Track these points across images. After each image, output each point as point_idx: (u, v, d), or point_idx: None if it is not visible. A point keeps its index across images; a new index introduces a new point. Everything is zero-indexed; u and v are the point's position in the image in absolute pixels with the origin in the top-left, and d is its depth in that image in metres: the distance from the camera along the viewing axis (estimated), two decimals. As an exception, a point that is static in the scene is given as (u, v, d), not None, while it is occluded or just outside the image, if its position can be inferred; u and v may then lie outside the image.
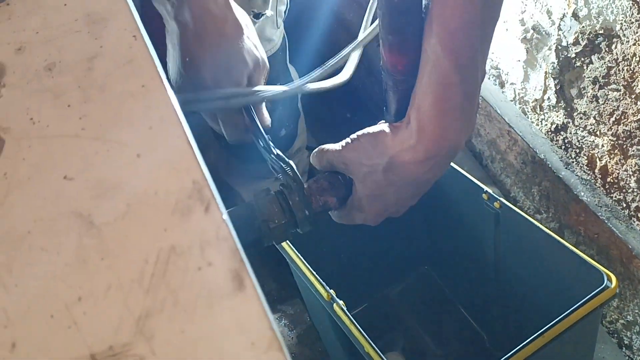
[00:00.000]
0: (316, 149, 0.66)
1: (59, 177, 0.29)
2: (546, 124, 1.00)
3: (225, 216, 0.26)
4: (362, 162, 0.59)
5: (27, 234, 0.26)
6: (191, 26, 0.63)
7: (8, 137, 0.31)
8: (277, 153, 0.68)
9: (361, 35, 0.76)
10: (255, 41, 0.70)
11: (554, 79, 0.93)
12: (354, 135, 0.61)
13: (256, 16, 0.97)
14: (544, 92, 0.97)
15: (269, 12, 0.99)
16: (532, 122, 1.04)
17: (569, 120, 0.94)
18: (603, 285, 0.64)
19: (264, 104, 0.75)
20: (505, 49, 1.04)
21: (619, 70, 0.79)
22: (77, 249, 0.26)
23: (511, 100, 1.07)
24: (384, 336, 1.03)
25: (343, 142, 0.62)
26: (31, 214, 0.27)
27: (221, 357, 0.22)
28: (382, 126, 0.59)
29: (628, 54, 0.76)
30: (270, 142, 0.70)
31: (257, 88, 0.71)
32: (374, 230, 0.72)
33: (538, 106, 1.01)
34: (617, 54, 0.78)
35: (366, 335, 0.65)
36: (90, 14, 0.36)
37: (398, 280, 1.08)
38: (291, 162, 0.64)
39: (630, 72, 0.77)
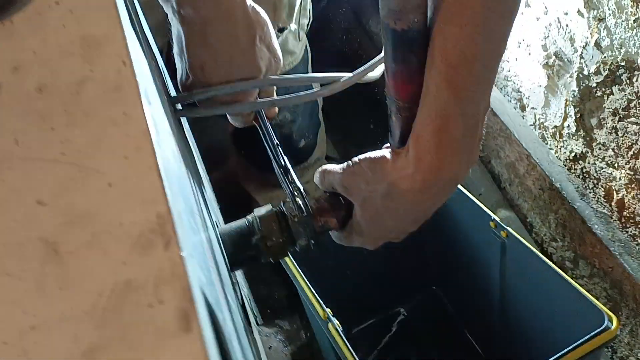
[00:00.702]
0: (319, 169, 0.66)
1: (32, 201, 0.29)
2: (565, 152, 0.98)
3: (185, 252, 0.27)
4: (361, 186, 0.59)
5: (-5, 256, 0.27)
6: (199, 28, 0.59)
7: (-8, 157, 0.32)
8: (284, 164, 0.67)
9: None
10: (269, 40, 0.65)
11: (574, 107, 0.91)
12: (355, 159, 0.60)
13: (280, 30, 0.98)
14: (564, 119, 0.96)
15: (292, 26, 1.00)
16: (551, 149, 1.02)
17: (588, 150, 0.92)
18: (604, 326, 0.63)
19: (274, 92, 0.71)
20: (527, 73, 1.02)
21: (639, 104, 0.77)
22: (39, 276, 0.26)
23: (531, 125, 1.05)
24: (388, 355, 1.03)
25: (344, 165, 0.61)
26: (2, 237, 0.28)
27: (157, 399, 0.22)
28: (384, 152, 0.59)
29: (649, 89, 0.75)
30: (280, 154, 0.69)
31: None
32: (384, 248, 0.72)
33: (558, 133, 0.99)
34: (637, 87, 0.77)
35: (356, 358, 0.65)
36: (85, 37, 0.37)
37: (406, 299, 1.08)
38: (296, 180, 0.63)
39: (651, 107, 0.75)
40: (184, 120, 0.76)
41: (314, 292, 0.73)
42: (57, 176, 0.30)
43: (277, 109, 0.74)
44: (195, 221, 0.39)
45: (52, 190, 0.30)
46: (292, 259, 0.79)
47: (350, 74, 0.68)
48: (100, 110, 0.33)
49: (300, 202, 0.62)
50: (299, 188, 0.63)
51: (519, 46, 1.01)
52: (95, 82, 0.35)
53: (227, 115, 0.73)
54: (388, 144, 0.62)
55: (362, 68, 0.68)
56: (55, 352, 0.24)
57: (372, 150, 0.60)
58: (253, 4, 0.63)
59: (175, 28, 0.62)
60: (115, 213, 0.28)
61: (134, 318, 0.25)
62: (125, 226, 0.28)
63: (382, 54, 0.70)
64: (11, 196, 0.30)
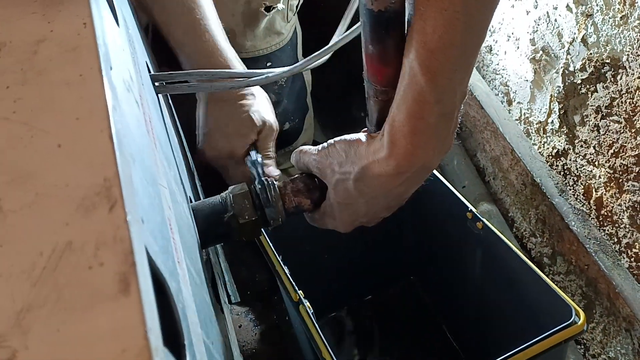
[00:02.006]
0: (296, 150, 0.65)
1: (-21, 159, 0.29)
2: (548, 148, 0.98)
3: (131, 217, 0.26)
4: (334, 168, 0.59)
5: (-64, 212, 0.27)
6: (210, 108, 0.77)
7: (-57, 112, 0.31)
8: (260, 172, 0.72)
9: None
10: (264, 107, 0.84)
11: (559, 103, 0.91)
12: (331, 141, 0.60)
13: (267, 9, 0.97)
14: (549, 115, 0.95)
15: (280, 6, 0.99)
16: (534, 144, 1.02)
17: (570, 146, 0.92)
18: (570, 321, 0.63)
19: (274, 162, 0.83)
20: (514, 67, 1.02)
21: (621, 102, 0.77)
22: (-21, 234, 0.26)
23: (516, 120, 1.05)
24: (360, 341, 1.03)
25: (320, 146, 0.61)
26: (-57, 192, 0.27)
27: (87, 360, 0.22)
28: (360, 135, 0.59)
29: (632, 87, 0.74)
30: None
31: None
32: (362, 234, 0.71)
33: (542, 129, 0.99)
34: (621, 85, 0.76)
35: (326, 343, 0.65)
36: (49, -3, 0.36)
37: (383, 288, 1.08)
38: (259, 157, 0.65)
39: (633, 105, 0.75)
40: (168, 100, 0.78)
41: (287, 273, 0.73)
42: (6, 134, 0.30)
43: (278, 173, 0.84)
44: (156, 191, 0.39)
45: (0, 148, 0.29)
46: (269, 241, 0.78)
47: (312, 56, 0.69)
48: (56, 71, 0.32)
49: (270, 182, 0.62)
50: (262, 170, 0.67)
51: (508, 40, 1.01)
52: (53, 42, 0.34)
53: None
54: (365, 129, 0.61)
55: (328, 46, 0.69)
56: (-12, 309, 0.23)
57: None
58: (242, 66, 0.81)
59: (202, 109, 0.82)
60: (61, 174, 0.28)
61: (72, 279, 0.24)
62: (71, 188, 0.27)
63: (345, 34, 0.71)
64: (-42, 152, 0.29)
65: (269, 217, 0.63)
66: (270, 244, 0.79)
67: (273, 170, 0.86)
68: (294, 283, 0.72)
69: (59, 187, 0.27)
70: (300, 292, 0.72)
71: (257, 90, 0.84)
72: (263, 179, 0.63)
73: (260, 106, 0.83)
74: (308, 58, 0.66)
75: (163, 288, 0.29)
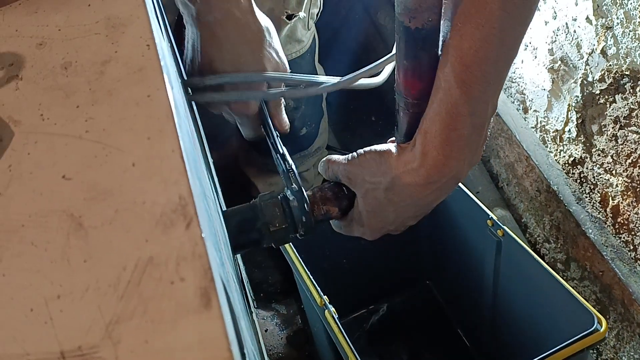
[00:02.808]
0: (324, 158, 0.67)
1: (58, 176, 0.30)
2: (564, 156, 1.00)
3: (205, 234, 0.28)
4: (365, 178, 0.60)
5: (20, 227, 0.28)
6: (213, 30, 0.65)
7: (18, 130, 0.33)
8: (282, 153, 0.69)
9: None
10: (277, 46, 0.71)
11: (577, 112, 0.93)
12: (360, 151, 0.62)
13: (289, 17, 0.99)
14: (566, 123, 0.97)
15: (301, 14, 1.00)
16: (551, 152, 1.03)
17: (587, 155, 0.93)
18: (592, 328, 0.64)
19: (283, 107, 0.77)
20: (531, 76, 1.03)
21: (640, 113, 0.78)
22: (64, 248, 0.27)
23: (532, 127, 1.07)
24: (375, 344, 1.04)
25: (349, 156, 0.63)
26: (27, 209, 0.29)
27: (177, 371, 0.23)
28: (389, 145, 0.60)
29: (651, 99, 0.76)
30: (278, 141, 0.72)
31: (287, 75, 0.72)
32: (380, 240, 0.73)
33: (558, 137, 1.00)
34: (640, 97, 0.78)
35: (352, 347, 0.66)
36: (110, 18, 0.38)
37: (400, 291, 1.09)
38: (293, 166, 0.65)
39: (652, 116, 0.76)
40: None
41: (311, 278, 0.75)
42: (82, 153, 0.31)
43: (288, 125, 0.78)
44: (208, 204, 0.40)
45: (76, 166, 0.31)
46: (292, 246, 0.80)
47: (354, 74, 0.70)
48: (124, 91, 0.34)
49: (299, 189, 0.63)
50: (292, 168, 0.65)
51: (526, 49, 1.02)
52: (119, 63, 0.35)
53: (238, 125, 0.79)
54: (393, 138, 0.63)
55: (365, 69, 0.70)
56: (80, 321, 0.25)
57: (376, 143, 0.62)
58: (263, 15, 0.70)
59: (191, 31, 0.67)
60: (138, 192, 0.29)
61: (157, 293, 0.26)
62: (148, 205, 0.29)
63: (382, 59, 0.72)
64: (36, 170, 0.31)
65: (298, 225, 0.64)
66: (294, 250, 0.81)
67: (283, 122, 0.79)
68: (319, 289, 0.74)
69: (137, 204, 0.29)
70: (325, 297, 0.73)
71: (272, 26, 0.72)
72: (293, 186, 0.64)
73: (276, 44, 0.72)
74: (367, 68, 0.69)
75: (228, 299, 0.31)
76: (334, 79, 0.72)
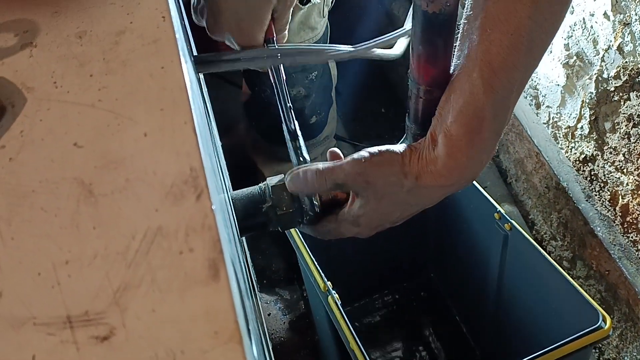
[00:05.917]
0: (304, 170, 0.59)
1: (69, 143, 0.30)
2: (575, 153, 0.99)
3: (215, 206, 0.27)
4: (389, 179, 0.57)
5: (31, 192, 0.28)
6: None
7: (30, 96, 0.32)
8: (299, 146, 0.68)
9: (408, 24, 0.76)
10: None
11: (590, 109, 0.92)
12: (373, 150, 0.57)
13: (302, 2, 0.98)
14: (578, 120, 0.96)
15: (317, 0, 1.00)
16: (562, 149, 1.03)
17: (599, 153, 0.93)
18: (597, 325, 0.64)
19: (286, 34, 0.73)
20: (546, 71, 1.02)
21: (655, 111, 0.77)
22: (74, 215, 0.27)
23: (544, 123, 1.06)
24: (380, 335, 1.04)
25: (358, 157, 0.58)
26: (38, 174, 0.29)
27: (184, 340, 0.23)
28: (405, 146, 0.58)
29: (667, 97, 0.75)
30: (291, 114, 0.70)
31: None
32: (386, 232, 0.72)
33: (570, 133, 0.99)
34: (656, 95, 0.77)
35: (354, 332, 0.66)
36: (126, -12, 0.37)
37: (403, 282, 1.09)
38: (307, 158, 0.65)
39: (667, 115, 0.76)
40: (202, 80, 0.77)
41: (316, 264, 0.75)
42: (94, 121, 0.31)
43: (286, 36, 0.74)
44: (217, 179, 0.40)
45: (88, 134, 0.31)
46: (297, 231, 0.80)
47: (368, 43, 0.69)
48: (138, 62, 0.34)
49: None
50: (305, 158, 0.64)
51: (541, 43, 1.01)
52: (134, 34, 0.35)
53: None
54: (405, 138, 0.62)
55: (378, 39, 0.69)
56: (88, 286, 0.25)
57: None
58: None
59: None
60: (149, 162, 0.29)
61: (165, 263, 0.26)
62: (159, 175, 0.29)
63: (395, 32, 0.71)
64: (48, 136, 0.31)
65: (305, 209, 0.64)
66: (300, 235, 0.81)
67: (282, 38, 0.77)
68: (323, 275, 0.74)
69: (148, 174, 0.28)
70: (329, 282, 0.73)
71: None
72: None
73: None
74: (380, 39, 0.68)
75: (235, 274, 0.31)
76: (349, 47, 0.71)
